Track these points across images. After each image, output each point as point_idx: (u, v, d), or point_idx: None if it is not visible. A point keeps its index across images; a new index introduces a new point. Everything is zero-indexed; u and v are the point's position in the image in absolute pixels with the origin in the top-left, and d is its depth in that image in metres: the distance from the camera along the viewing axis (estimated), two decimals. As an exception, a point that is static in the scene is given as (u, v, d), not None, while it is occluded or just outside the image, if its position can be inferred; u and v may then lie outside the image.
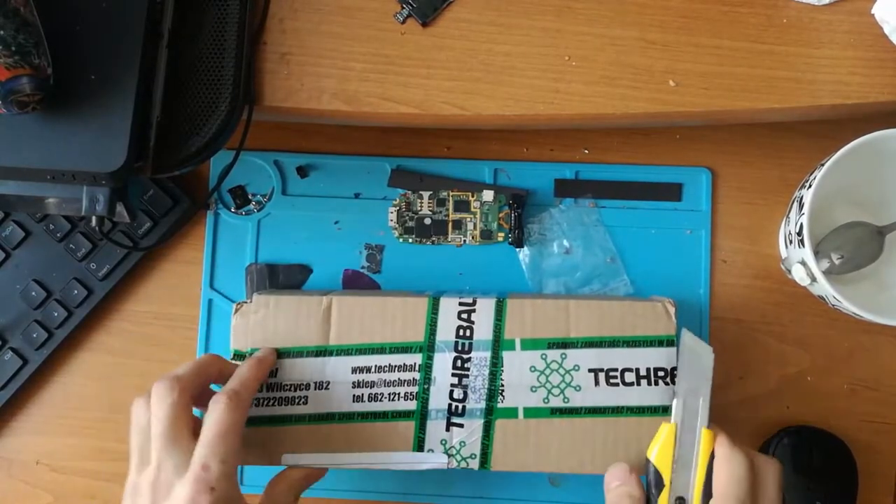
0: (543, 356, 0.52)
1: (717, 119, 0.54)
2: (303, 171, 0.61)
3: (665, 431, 0.48)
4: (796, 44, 0.51)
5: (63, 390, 0.61)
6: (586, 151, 0.61)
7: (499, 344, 0.53)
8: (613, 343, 0.52)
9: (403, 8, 0.52)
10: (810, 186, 0.51)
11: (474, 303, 0.53)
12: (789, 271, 0.53)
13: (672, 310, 0.52)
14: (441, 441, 0.52)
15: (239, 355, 0.53)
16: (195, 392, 0.47)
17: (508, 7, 0.52)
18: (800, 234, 0.51)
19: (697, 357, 0.50)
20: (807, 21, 0.51)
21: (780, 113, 0.52)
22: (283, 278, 0.60)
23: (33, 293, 0.59)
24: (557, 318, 0.53)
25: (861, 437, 0.58)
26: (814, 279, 0.51)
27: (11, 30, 0.42)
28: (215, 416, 0.45)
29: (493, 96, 0.52)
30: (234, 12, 0.50)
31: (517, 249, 0.60)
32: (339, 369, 0.53)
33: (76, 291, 0.59)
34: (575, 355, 0.52)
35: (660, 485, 0.47)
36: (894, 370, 0.59)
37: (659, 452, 0.48)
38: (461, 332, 0.53)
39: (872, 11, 0.50)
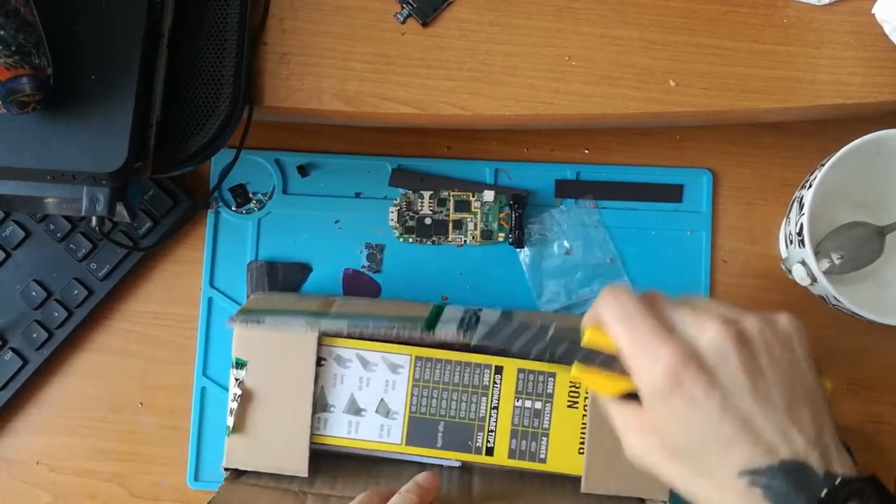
0: None
1: (717, 119, 0.54)
2: (303, 170, 0.61)
3: (577, 376, 0.41)
4: (796, 44, 0.51)
5: (63, 390, 0.61)
6: (587, 151, 0.61)
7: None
8: None
9: (403, 8, 0.52)
10: (810, 186, 0.51)
11: (480, 309, 0.54)
12: (789, 271, 0.53)
13: None
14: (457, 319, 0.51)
15: (241, 364, 0.52)
16: None
17: (508, 7, 0.52)
18: (800, 234, 0.50)
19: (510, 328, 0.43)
20: (807, 21, 0.51)
21: (780, 113, 0.52)
22: (282, 277, 0.60)
23: (33, 293, 0.59)
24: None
25: (861, 437, 0.58)
26: (814, 279, 0.51)
27: (11, 30, 0.42)
28: None
29: (493, 96, 0.52)
30: (234, 12, 0.50)
31: (518, 250, 0.60)
32: (334, 325, 0.51)
33: (76, 291, 0.59)
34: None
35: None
36: (894, 370, 0.59)
37: (601, 387, 0.40)
38: (466, 319, 0.52)
39: (873, 11, 0.50)
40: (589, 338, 0.40)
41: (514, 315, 0.51)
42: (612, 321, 0.38)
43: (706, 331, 0.37)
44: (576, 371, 0.40)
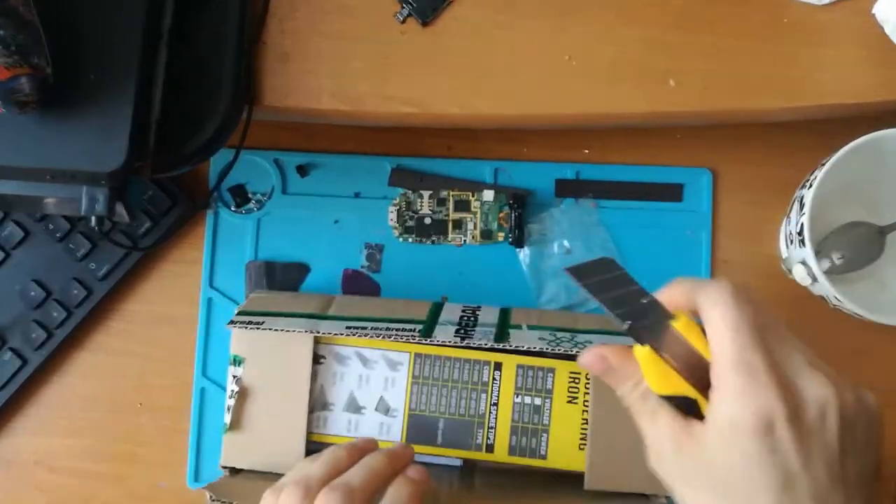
0: (552, 334, 0.51)
1: (717, 119, 0.54)
2: (303, 170, 0.61)
3: (644, 358, 0.36)
4: (797, 43, 0.51)
5: (63, 390, 0.61)
6: (587, 151, 0.61)
7: (505, 325, 0.52)
8: (621, 335, 0.51)
9: (403, 7, 0.52)
10: (811, 186, 0.51)
11: (479, 307, 0.54)
12: (790, 271, 0.53)
13: None
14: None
15: (238, 361, 0.52)
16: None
17: (508, 7, 0.52)
18: (801, 233, 0.50)
19: (602, 268, 0.38)
20: (807, 21, 0.51)
21: (780, 113, 0.52)
22: (280, 277, 0.60)
23: (33, 293, 0.59)
24: (563, 317, 0.53)
25: (861, 437, 0.58)
26: (815, 279, 0.51)
27: (11, 29, 0.42)
28: None
29: (493, 96, 0.51)
30: (234, 12, 0.50)
31: (517, 249, 0.60)
32: (332, 327, 0.51)
33: (76, 291, 0.59)
34: (584, 337, 0.50)
35: (691, 408, 0.36)
36: (894, 370, 0.59)
37: (658, 380, 0.36)
38: (464, 318, 0.53)
39: (873, 11, 0.50)
40: (682, 326, 0.35)
41: (610, 264, 0.40)
42: (722, 327, 0.35)
43: (817, 387, 0.35)
44: (644, 353, 0.35)
